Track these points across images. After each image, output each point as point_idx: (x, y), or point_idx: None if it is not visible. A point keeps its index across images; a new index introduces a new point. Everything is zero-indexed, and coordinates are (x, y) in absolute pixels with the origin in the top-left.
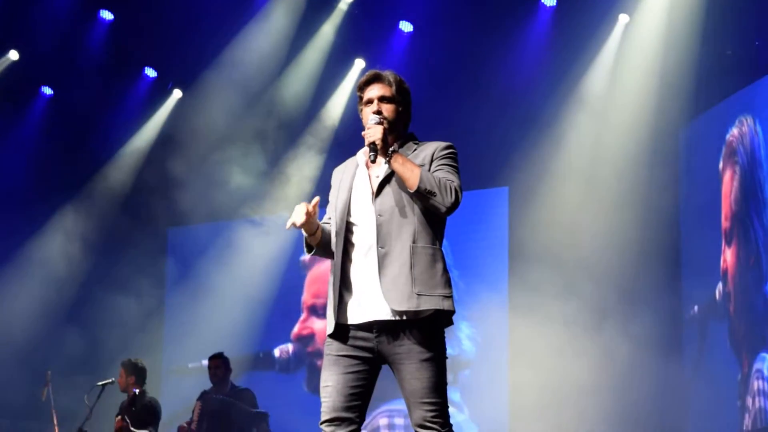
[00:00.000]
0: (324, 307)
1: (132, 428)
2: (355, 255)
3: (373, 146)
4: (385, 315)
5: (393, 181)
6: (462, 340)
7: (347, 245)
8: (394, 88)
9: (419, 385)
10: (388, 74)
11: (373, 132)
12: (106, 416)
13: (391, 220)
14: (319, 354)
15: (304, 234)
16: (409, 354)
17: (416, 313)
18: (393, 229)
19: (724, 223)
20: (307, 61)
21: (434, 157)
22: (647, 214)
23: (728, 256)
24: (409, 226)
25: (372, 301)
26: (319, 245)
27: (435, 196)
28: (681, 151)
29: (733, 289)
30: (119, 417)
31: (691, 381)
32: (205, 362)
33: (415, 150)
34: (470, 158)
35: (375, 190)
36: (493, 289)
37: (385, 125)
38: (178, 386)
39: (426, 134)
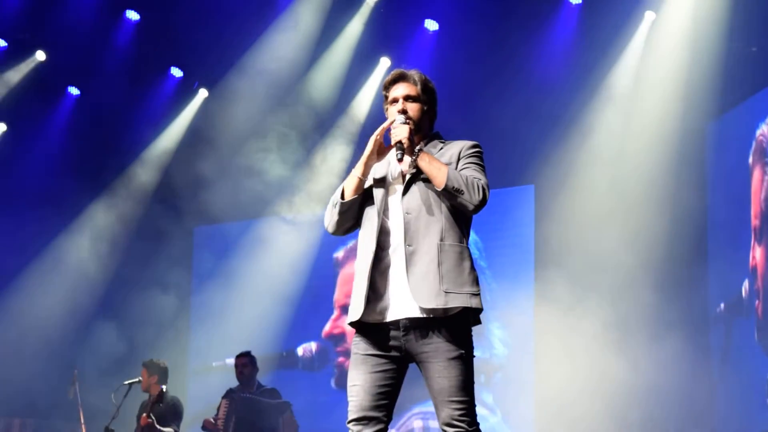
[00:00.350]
0: None
1: (157, 426)
2: (383, 252)
3: (399, 145)
4: (413, 313)
5: (420, 179)
6: (494, 342)
7: (371, 242)
8: (419, 87)
9: (447, 384)
10: (414, 73)
11: (399, 131)
12: (133, 415)
13: (418, 218)
14: (349, 353)
15: (358, 174)
16: (437, 352)
17: (444, 310)
18: (420, 226)
19: (754, 221)
20: (332, 60)
21: (461, 155)
22: (674, 211)
23: (758, 253)
24: (436, 224)
25: (400, 298)
26: (354, 203)
27: (463, 194)
28: (708, 148)
29: (762, 286)
30: (144, 414)
31: (718, 379)
32: (230, 361)
33: (441, 148)
34: (496, 156)
35: (404, 186)
36: (519, 288)
37: (411, 125)
38: (203, 385)
39: (451, 133)
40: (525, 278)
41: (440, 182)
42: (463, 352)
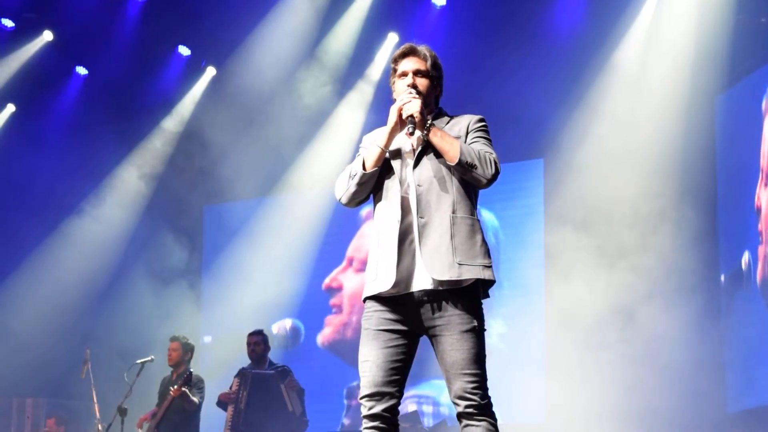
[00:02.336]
0: (361, 262)
1: (190, 395)
2: (395, 225)
3: (411, 119)
4: (426, 285)
5: (430, 152)
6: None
7: (388, 215)
8: (429, 63)
9: (459, 357)
10: (424, 49)
11: (411, 105)
12: (146, 394)
13: (430, 191)
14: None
15: (380, 146)
16: (449, 325)
17: (457, 282)
18: (432, 199)
19: (762, 163)
20: (340, 36)
21: (469, 129)
22: (685, 184)
23: (764, 195)
24: (447, 197)
25: (413, 271)
26: (375, 175)
27: (476, 168)
28: (717, 119)
29: (765, 228)
30: (176, 387)
31: (728, 348)
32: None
33: (448, 123)
34: (505, 131)
35: (413, 161)
36: (530, 261)
37: (421, 99)
38: (214, 360)
39: (460, 107)
40: (535, 253)
41: (453, 157)
42: (475, 324)
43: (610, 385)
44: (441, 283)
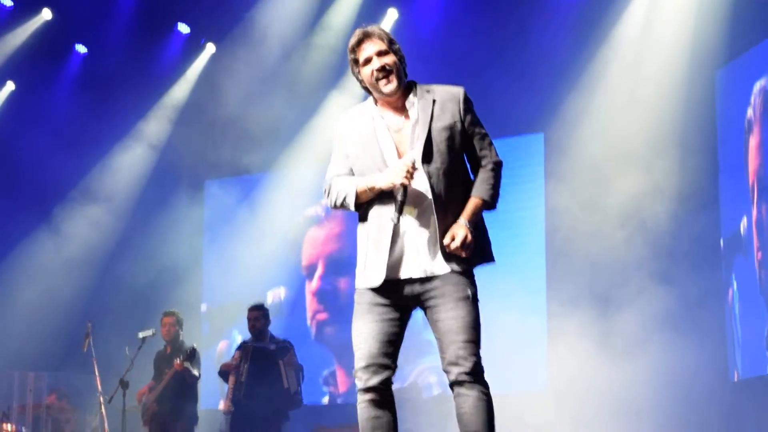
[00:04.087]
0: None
1: (191, 369)
2: (388, 224)
3: (403, 193)
4: (420, 273)
5: (434, 142)
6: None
7: (388, 210)
8: (386, 41)
9: (454, 324)
10: (376, 28)
11: (397, 175)
12: (147, 367)
13: (439, 182)
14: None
15: (376, 191)
16: (444, 296)
17: (469, 268)
18: (443, 190)
19: (752, 177)
20: (340, 11)
21: (463, 114)
22: (685, 158)
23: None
24: (457, 186)
25: (417, 258)
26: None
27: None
28: (717, 94)
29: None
30: (178, 361)
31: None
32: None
33: (434, 100)
34: (505, 105)
35: (421, 151)
36: (529, 236)
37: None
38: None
39: (461, 81)
40: (536, 229)
41: (489, 209)
42: (469, 293)
43: (612, 352)
44: (455, 270)
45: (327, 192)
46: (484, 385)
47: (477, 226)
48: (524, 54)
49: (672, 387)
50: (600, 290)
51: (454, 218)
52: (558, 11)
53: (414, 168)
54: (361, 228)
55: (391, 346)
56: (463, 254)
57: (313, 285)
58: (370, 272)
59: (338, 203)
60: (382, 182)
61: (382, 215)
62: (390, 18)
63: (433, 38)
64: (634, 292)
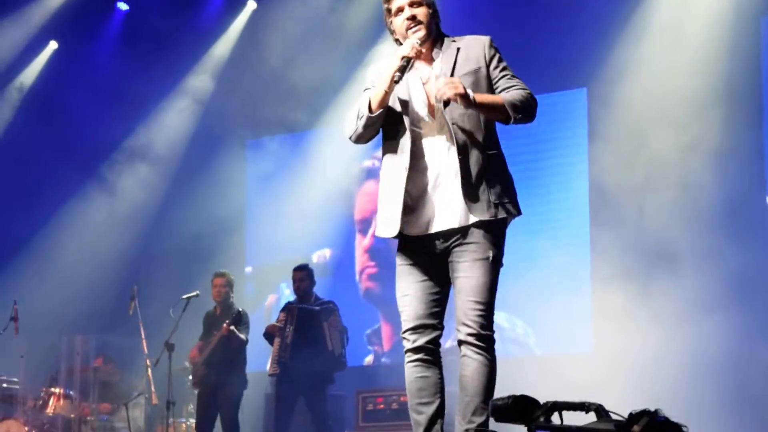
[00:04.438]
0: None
1: (237, 332)
2: (423, 165)
3: (406, 61)
4: (458, 222)
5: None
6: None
7: (403, 158)
8: None
9: (468, 283)
10: None
11: (405, 47)
12: (192, 329)
13: (463, 130)
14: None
15: (385, 88)
16: (466, 252)
17: (494, 221)
18: (467, 137)
19: None
20: None
21: (487, 59)
22: (729, 110)
23: None
24: (479, 134)
25: (444, 210)
26: (381, 116)
27: (525, 119)
28: (763, 41)
29: None
30: (226, 324)
31: None
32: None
33: (458, 48)
34: (548, 60)
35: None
36: (574, 193)
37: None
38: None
39: (502, 37)
40: (580, 185)
41: (505, 119)
42: (490, 255)
43: (656, 318)
44: (479, 221)
45: (346, 122)
46: (491, 353)
47: (491, 144)
48: (566, 8)
49: (717, 354)
50: (647, 250)
51: (478, 168)
52: None
53: (421, 44)
54: (381, 176)
55: (437, 305)
56: (448, 94)
57: (366, 241)
58: (384, 222)
59: (358, 119)
60: (392, 63)
61: (396, 164)
62: None
63: None
64: (678, 251)
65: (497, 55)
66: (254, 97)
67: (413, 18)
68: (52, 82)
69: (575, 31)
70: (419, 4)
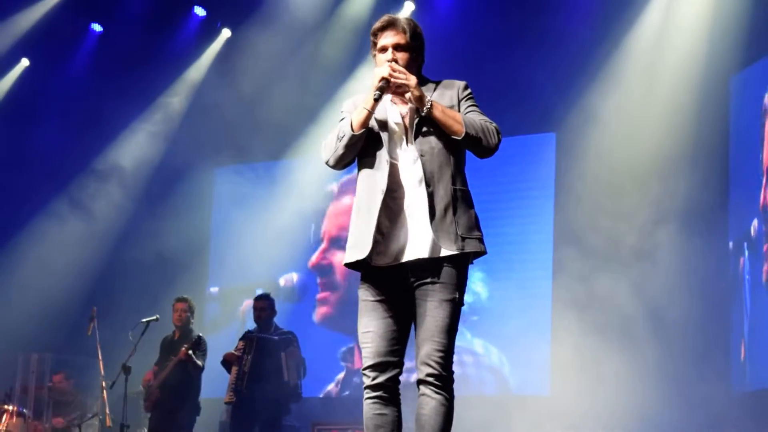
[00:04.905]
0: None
1: (194, 358)
2: (393, 194)
3: (383, 83)
4: (420, 254)
5: (428, 125)
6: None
7: (380, 183)
8: (408, 35)
9: (433, 323)
10: (403, 21)
11: (383, 70)
12: (150, 352)
13: (432, 162)
14: (334, 285)
15: (367, 108)
16: (433, 292)
17: (461, 256)
18: (435, 170)
19: (766, 162)
20: (356, 3)
21: (459, 98)
22: (697, 163)
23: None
24: (447, 168)
25: (411, 241)
26: (362, 137)
27: (481, 140)
28: (732, 99)
29: None
30: (184, 348)
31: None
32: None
33: (436, 90)
34: (518, 103)
35: (413, 131)
36: (539, 233)
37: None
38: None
39: (474, 79)
40: (545, 225)
41: (458, 131)
42: (456, 296)
43: (615, 360)
44: (443, 256)
45: (324, 146)
46: (449, 393)
47: (454, 161)
48: (538, 54)
49: (676, 392)
50: (607, 291)
51: (445, 202)
52: (574, 14)
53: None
54: (354, 202)
55: (398, 343)
56: (401, 79)
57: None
58: (354, 246)
59: (338, 140)
60: (371, 89)
61: (372, 189)
62: (407, 10)
63: (448, 35)
64: (646, 289)
65: (470, 97)
66: (225, 123)
67: (394, 61)
68: (22, 99)
69: (546, 76)
70: (403, 48)
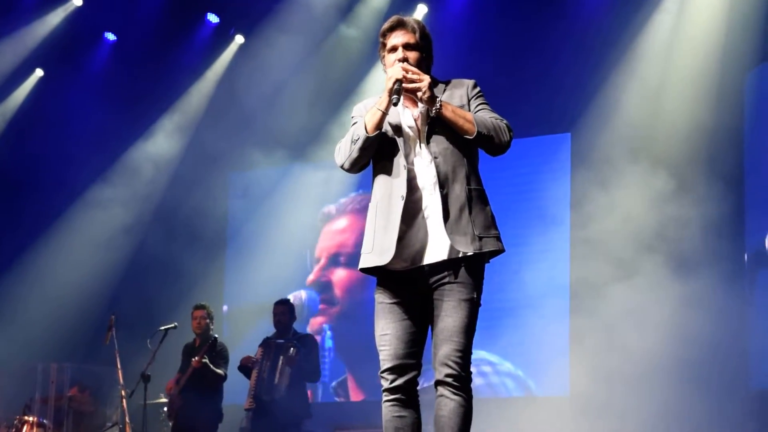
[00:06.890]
0: (349, 256)
1: (211, 366)
2: (414, 197)
3: (398, 85)
4: (440, 257)
5: (440, 126)
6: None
7: (398, 188)
8: (417, 34)
9: (451, 323)
10: (412, 20)
11: (395, 70)
12: (169, 360)
13: (446, 163)
14: (332, 302)
15: (381, 109)
16: (451, 292)
17: (478, 256)
18: (449, 172)
19: None
20: (370, 6)
21: (469, 97)
22: (711, 161)
23: None
24: (461, 168)
25: (429, 243)
26: (377, 139)
27: (493, 138)
28: (747, 97)
29: None
30: (198, 357)
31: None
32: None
33: (445, 90)
34: (533, 104)
35: (426, 132)
36: (555, 235)
37: (427, 81)
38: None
39: (489, 80)
40: (561, 227)
41: (470, 130)
42: (474, 296)
43: (633, 362)
44: (462, 256)
45: (338, 149)
46: (468, 393)
47: (467, 163)
48: (553, 55)
49: (692, 393)
50: (624, 290)
51: (461, 203)
52: (588, 12)
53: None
54: (371, 208)
55: (416, 345)
56: (415, 79)
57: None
58: (372, 252)
59: (353, 143)
60: (384, 91)
61: (391, 194)
62: (419, 13)
63: (461, 36)
64: (661, 292)
65: (480, 95)
66: (237, 131)
67: (404, 61)
68: (38, 109)
69: (561, 77)
70: (413, 48)
